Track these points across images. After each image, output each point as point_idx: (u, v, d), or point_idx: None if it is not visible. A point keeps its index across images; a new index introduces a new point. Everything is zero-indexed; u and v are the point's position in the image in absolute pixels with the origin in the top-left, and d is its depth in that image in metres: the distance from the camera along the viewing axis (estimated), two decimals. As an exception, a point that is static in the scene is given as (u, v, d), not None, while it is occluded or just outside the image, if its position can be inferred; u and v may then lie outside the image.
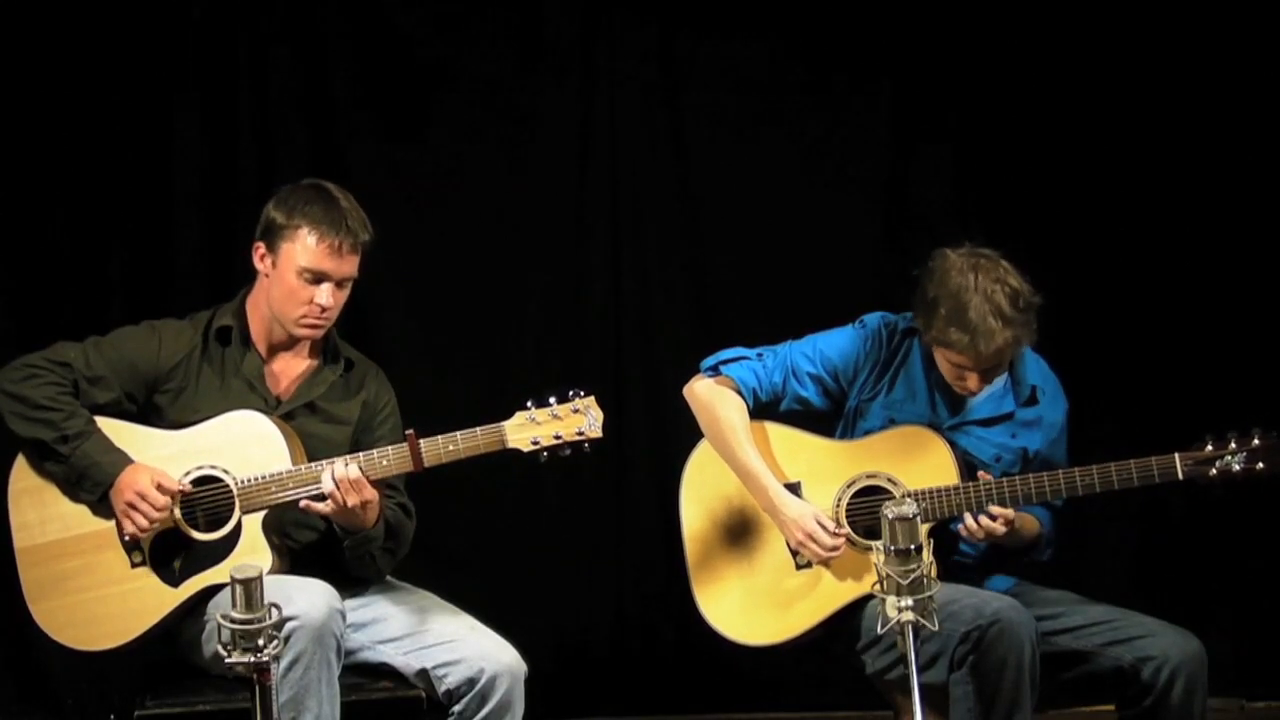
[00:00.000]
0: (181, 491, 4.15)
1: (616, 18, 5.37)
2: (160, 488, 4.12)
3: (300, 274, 4.19)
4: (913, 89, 5.40)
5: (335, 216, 4.19)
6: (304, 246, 4.18)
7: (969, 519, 4.25)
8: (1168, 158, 5.35)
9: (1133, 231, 5.38)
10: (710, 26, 5.38)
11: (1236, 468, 4.22)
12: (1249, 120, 5.32)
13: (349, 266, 4.23)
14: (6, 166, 5.23)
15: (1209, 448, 4.23)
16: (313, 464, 4.16)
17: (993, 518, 4.23)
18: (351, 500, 4.10)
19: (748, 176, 5.41)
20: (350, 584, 4.23)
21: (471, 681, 4.13)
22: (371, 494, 4.13)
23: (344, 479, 4.09)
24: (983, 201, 5.28)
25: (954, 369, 4.30)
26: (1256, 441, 4.22)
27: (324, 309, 4.21)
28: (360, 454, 4.15)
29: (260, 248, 4.26)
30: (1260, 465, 4.22)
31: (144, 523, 4.13)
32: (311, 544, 4.28)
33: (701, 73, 5.41)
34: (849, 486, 4.35)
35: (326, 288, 4.20)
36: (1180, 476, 4.23)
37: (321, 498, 4.12)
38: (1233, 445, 4.23)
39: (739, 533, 4.42)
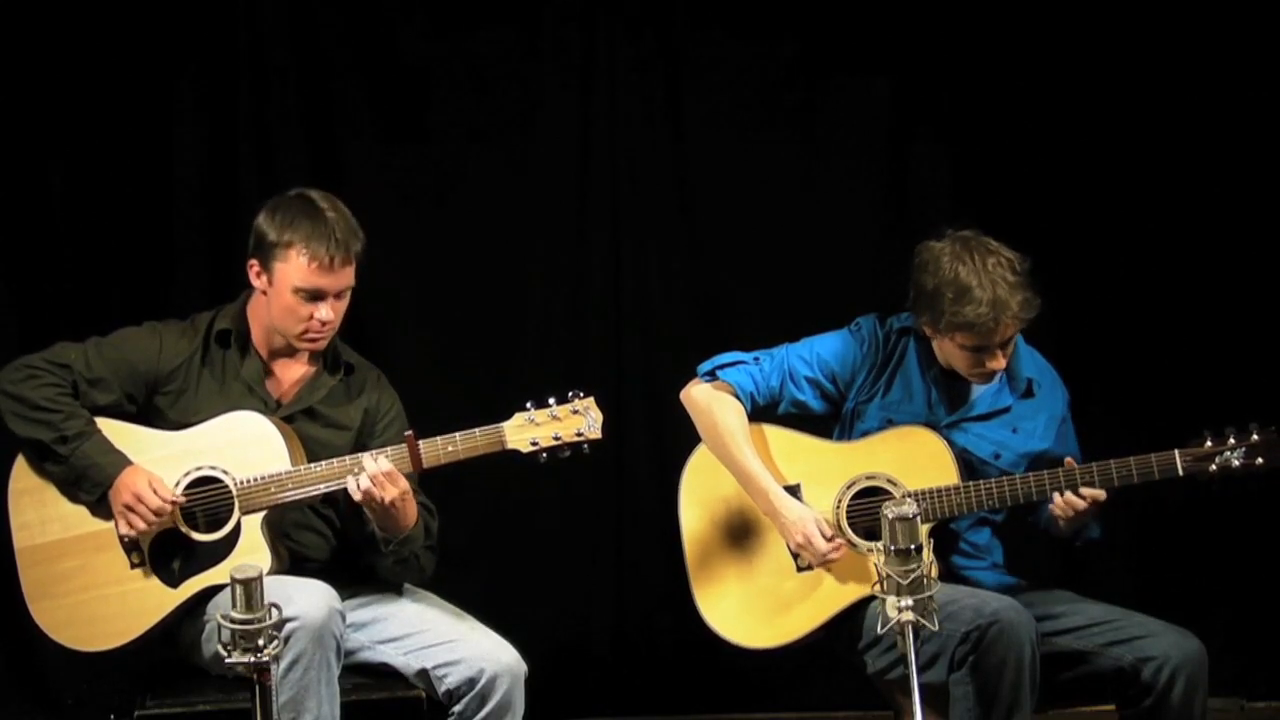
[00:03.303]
0: (176, 503, 4.14)
1: (617, 17, 5.37)
2: (158, 492, 4.12)
3: (296, 293, 4.17)
4: (912, 89, 5.40)
5: (323, 232, 4.14)
6: (296, 267, 4.14)
7: (1057, 497, 4.24)
8: (1166, 157, 5.35)
9: (1132, 229, 5.38)
10: (710, 27, 5.38)
11: (1236, 463, 4.23)
12: (1249, 115, 5.31)
13: (344, 279, 4.19)
14: (7, 167, 5.23)
15: (1208, 444, 4.24)
16: (313, 464, 4.16)
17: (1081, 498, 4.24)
18: (388, 495, 4.08)
19: (748, 176, 5.40)
20: (350, 584, 4.23)
21: (471, 681, 4.13)
22: (405, 486, 4.11)
23: (376, 474, 4.07)
24: (982, 201, 5.28)
25: (972, 356, 4.27)
26: (1255, 437, 4.23)
27: (324, 323, 4.20)
28: (359, 455, 4.15)
29: (255, 265, 4.22)
30: (1259, 460, 4.23)
31: (142, 524, 4.13)
32: (312, 545, 4.28)
33: (701, 73, 5.40)
34: (849, 488, 4.35)
35: (325, 303, 4.18)
36: (1180, 473, 4.23)
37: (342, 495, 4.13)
38: (1232, 441, 4.23)
39: (739, 536, 4.41)
